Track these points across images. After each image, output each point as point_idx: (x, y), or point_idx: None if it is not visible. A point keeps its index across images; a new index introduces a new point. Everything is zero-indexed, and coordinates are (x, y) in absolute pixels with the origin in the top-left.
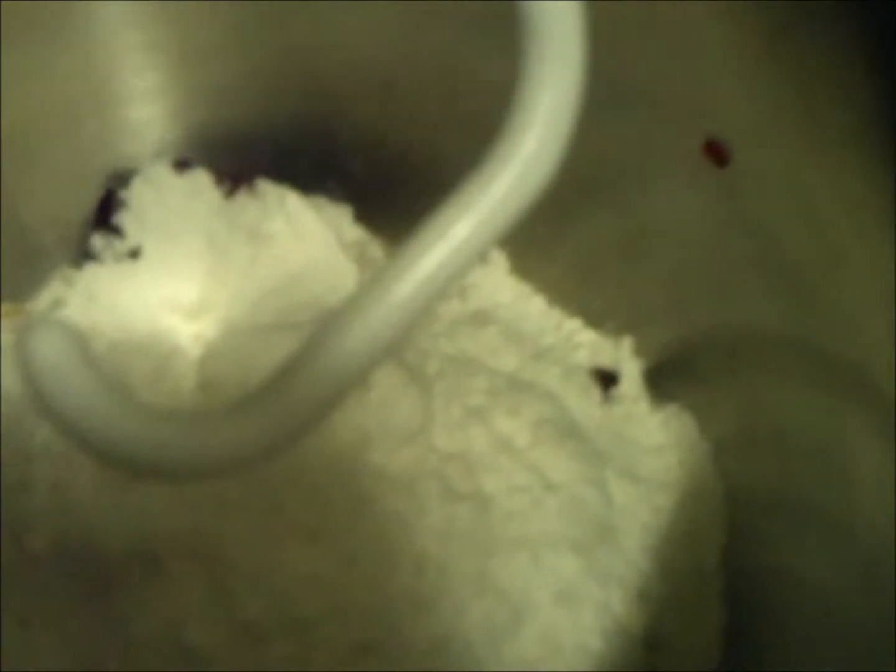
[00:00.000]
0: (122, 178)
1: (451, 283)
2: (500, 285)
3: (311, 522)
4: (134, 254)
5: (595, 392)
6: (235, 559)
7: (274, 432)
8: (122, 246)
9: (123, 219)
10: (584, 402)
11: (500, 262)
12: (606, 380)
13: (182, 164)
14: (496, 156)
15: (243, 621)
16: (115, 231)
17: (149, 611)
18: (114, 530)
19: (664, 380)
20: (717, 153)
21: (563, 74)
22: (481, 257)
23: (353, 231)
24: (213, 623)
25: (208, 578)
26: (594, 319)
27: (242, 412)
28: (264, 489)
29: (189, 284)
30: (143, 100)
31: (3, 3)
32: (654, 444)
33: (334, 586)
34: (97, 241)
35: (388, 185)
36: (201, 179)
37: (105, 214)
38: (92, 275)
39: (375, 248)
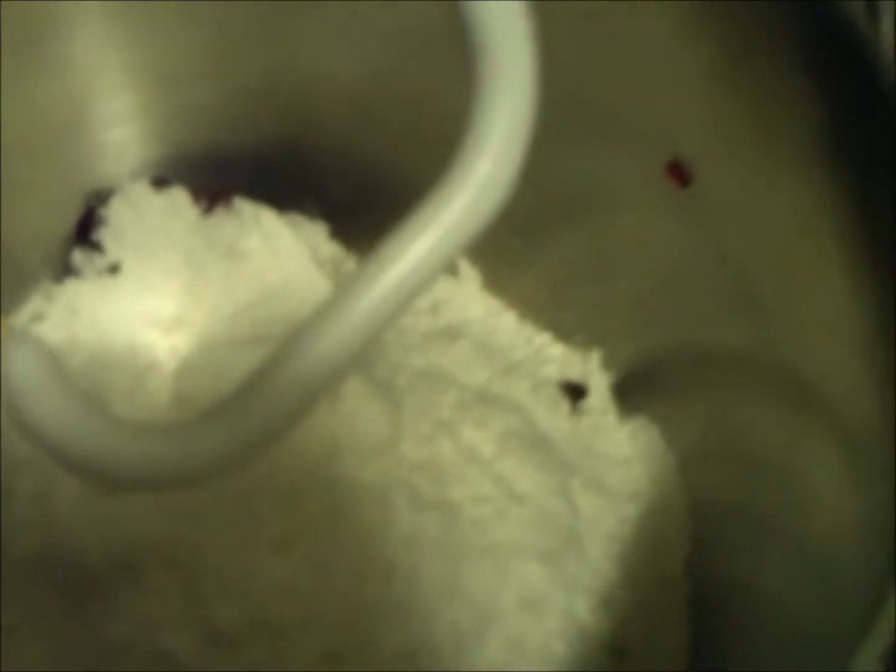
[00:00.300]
0: (102, 196)
1: (411, 299)
2: (472, 300)
3: (283, 532)
4: (113, 269)
5: (564, 405)
6: (210, 567)
7: (243, 441)
8: (102, 261)
9: (103, 235)
10: (552, 415)
11: (472, 278)
12: (575, 393)
13: (160, 182)
14: (451, 178)
15: (217, 627)
16: (96, 247)
17: (126, 617)
18: (94, 540)
19: (632, 393)
20: (679, 174)
21: (516, 98)
22: (439, 274)
23: (329, 248)
24: (188, 629)
25: (184, 586)
26: (564, 334)
27: (211, 422)
28: (238, 499)
29: (167, 299)
30: (122, 121)
31: None
32: (622, 455)
33: (306, 594)
34: (78, 256)
35: (363, 203)
36: (179, 197)
37: (85, 231)
38: (72, 290)
39: (351, 265)
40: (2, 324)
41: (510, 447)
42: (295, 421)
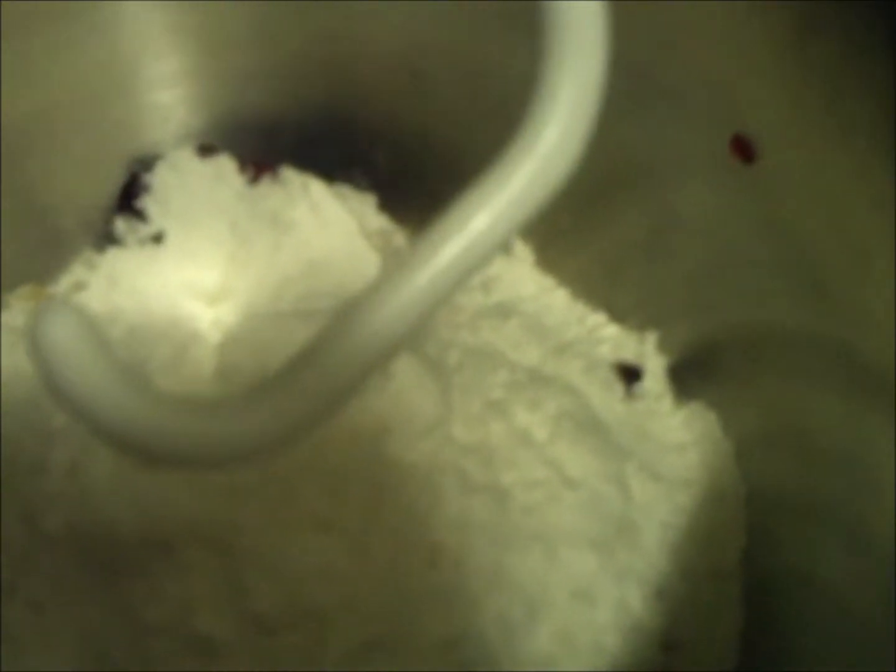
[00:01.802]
0: (146, 163)
1: (469, 274)
2: (524, 278)
3: (324, 512)
4: (157, 238)
5: (618, 387)
6: (248, 548)
7: (289, 421)
8: (145, 230)
9: (147, 203)
10: (606, 397)
11: (524, 255)
12: (629, 375)
13: (206, 150)
14: (516, 148)
15: (254, 611)
16: (139, 215)
17: (160, 598)
18: (128, 516)
19: (688, 377)
20: (743, 150)
21: (585, 67)
22: (500, 250)
23: (377, 220)
24: (224, 612)
25: (220, 567)
26: (618, 314)
27: (258, 400)
28: (278, 478)
29: (210, 270)
30: (169, 84)
31: None
32: (676, 441)
33: (347, 578)
34: (120, 224)
35: (413, 175)
36: (225, 165)
37: (129, 198)
38: (114, 259)
39: (399, 238)
40: (38, 292)
41: (563, 430)
42: (345, 401)
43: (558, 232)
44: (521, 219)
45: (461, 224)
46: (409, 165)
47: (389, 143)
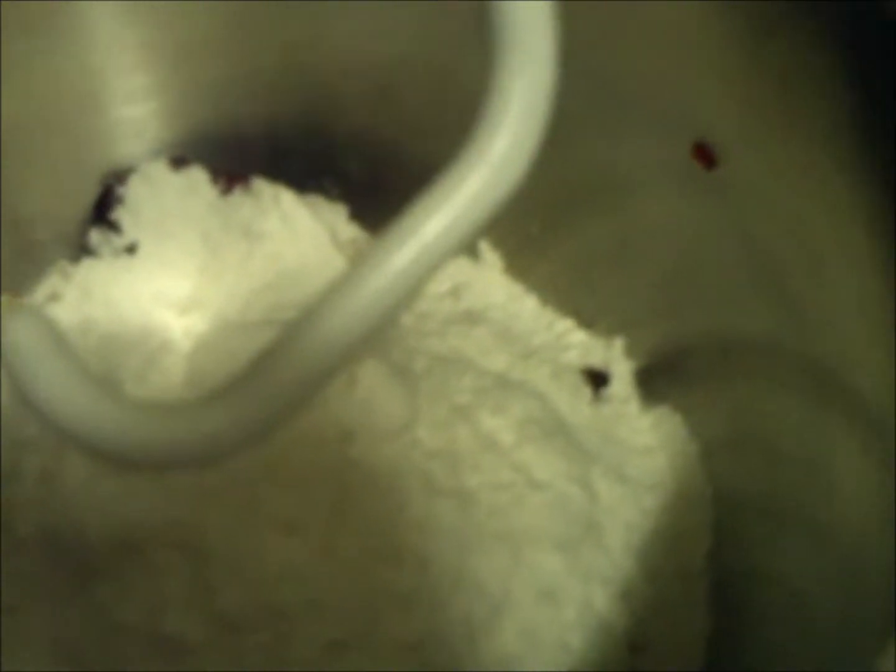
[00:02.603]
0: (119, 175)
1: (425, 278)
2: (494, 285)
3: (290, 514)
4: (131, 249)
5: (585, 392)
6: (215, 550)
7: (251, 421)
8: (119, 241)
9: (121, 215)
10: (573, 402)
11: (493, 262)
12: (597, 380)
13: (179, 162)
14: (468, 155)
15: (222, 611)
16: (113, 227)
17: (130, 599)
18: (99, 520)
19: (655, 381)
20: (705, 156)
21: (535, 74)
22: (454, 254)
23: (348, 229)
24: (192, 612)
25: (188, 568)
26: (586, 320)
27: (219, 402)
28: (245, 480)
29: (183, 280)
30: (141, 98)
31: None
32: (644, 444)
33: (313, 579)
34: (95, 236)
35: (383, 184)
36: (197, 177)
37: (103, 210)
38: (89, 269)
39: None
40: (15, 303)
41: (530, 434)
42: (304, 401)
43: (527, 239)
44: (475, 224)
45: (415, 228)
46: (380, 175)
47: (360, 153)
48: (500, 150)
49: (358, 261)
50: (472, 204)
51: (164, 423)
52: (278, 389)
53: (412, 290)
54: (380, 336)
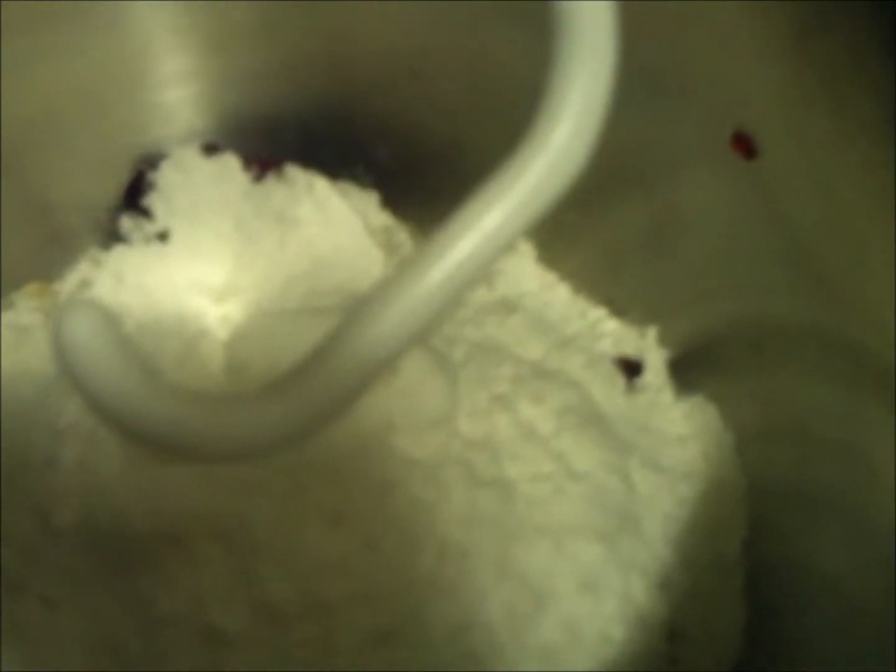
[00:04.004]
0: (151, 161)
1: (481, 273)
2: (527, 273)
3: (333, 506)
4: (162, 236)
5: (619, 381)
6: (259, 541)
7: (301, 418)
8: (150, 228)
9: (152, 201)
10: (608, 391)
11: (526, 251)
12: (631, 369)
13: (211, 148)
14: (528, 146)
15: (266, 603)
16: (144, 213)
17: (172, 591)
18: (139, 510)
19: (688, 370)
20: (745, 146)
21: (595, 67)
22: (510, 247)
23: (380, 217)
24: (236, 604)
25: (232, 560)
26: (619, 308)
27: (271, 397)
28: (288, 472)
29: (217, 267)
30: (174, 83)
31: None
32: (678, 434)
33: (356, 571)
34: (126, 222)
35: (415, 171)
36: (230, 164)
37: (134, 196)
38: (120, 256)
39: (401, 234)
40: (44, 289)
41: (567, 423)
42: (355, 399)
43: (560, 227)
44: (532, 217)
45: (472, 223)
46: (410, 162)
47: (391, 140)
48: (561, 142)
49: (416, 253)
50: (530, 197)
51: (222, 414)
52: (331, 386)
53: (471, 283)
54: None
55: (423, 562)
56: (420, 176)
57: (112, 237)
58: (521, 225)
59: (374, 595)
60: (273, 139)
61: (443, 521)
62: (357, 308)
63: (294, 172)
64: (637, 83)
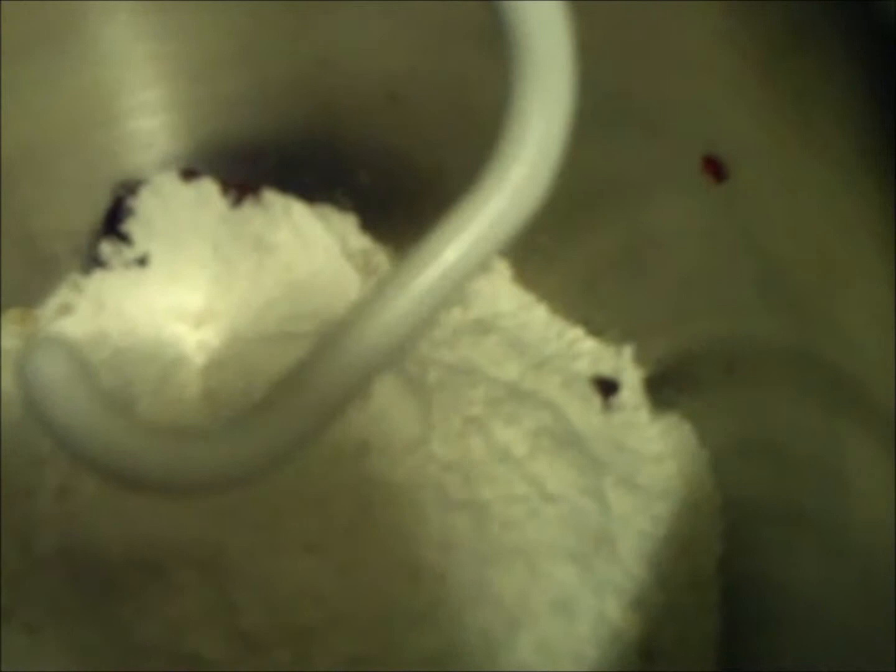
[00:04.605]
0: (130, 188)
1: (445, 301)
2: (503, 294)
3: (309, 532)
4: (142, 261)
5: (595, 400)
6: (236, 568)
7: (272, 448)
8: (130, 253)
9: (132, 226)
10: (583, 411)
11: (502, 271)
12: (607, 388)
13: (189, 174)
14: (487, 182)
15: (243, 630)
16: (124, 238)
17: (151, 618)
18: (118, 537)
19: (664, 389)
20: (715, 169)
21: (554, 99)
22: (474, 276)
23: (359, 240)
24: (214, 631)
25: (209, 587)
26: (596, 328)
27: (241, 428)
28: (264, 499)
29: (195, 293)
30: (152, 111)
31: (11, 16)
32: (654, 452)
33: (332, 596)
34: (106, 248)
35: (394, 195)
36: (208, 189)
37: (114, 222)
38: (100, 281)
39: (381, 258)
40: (25, 315)
41: (542, 445)
42: (326, 426)
43: (536, 248)
44: (493, 248)
45: (435, 254)
46: (390, 186)
47: (371, 164)
48: (520, 177)
49: (379, 284)
50: (491, 229)
51: (188, 449)
52: (301, 415)
53: (434, 312)
54: (409, 351)
55: (398, 586)
56: (400, 199)
57: (92, 262)
58: (482, 256)
59: (350, 621)
60: (252, 164)
61: (419, 545)
62: (324, 337)
63: (271, 197)
64: (606, 107)
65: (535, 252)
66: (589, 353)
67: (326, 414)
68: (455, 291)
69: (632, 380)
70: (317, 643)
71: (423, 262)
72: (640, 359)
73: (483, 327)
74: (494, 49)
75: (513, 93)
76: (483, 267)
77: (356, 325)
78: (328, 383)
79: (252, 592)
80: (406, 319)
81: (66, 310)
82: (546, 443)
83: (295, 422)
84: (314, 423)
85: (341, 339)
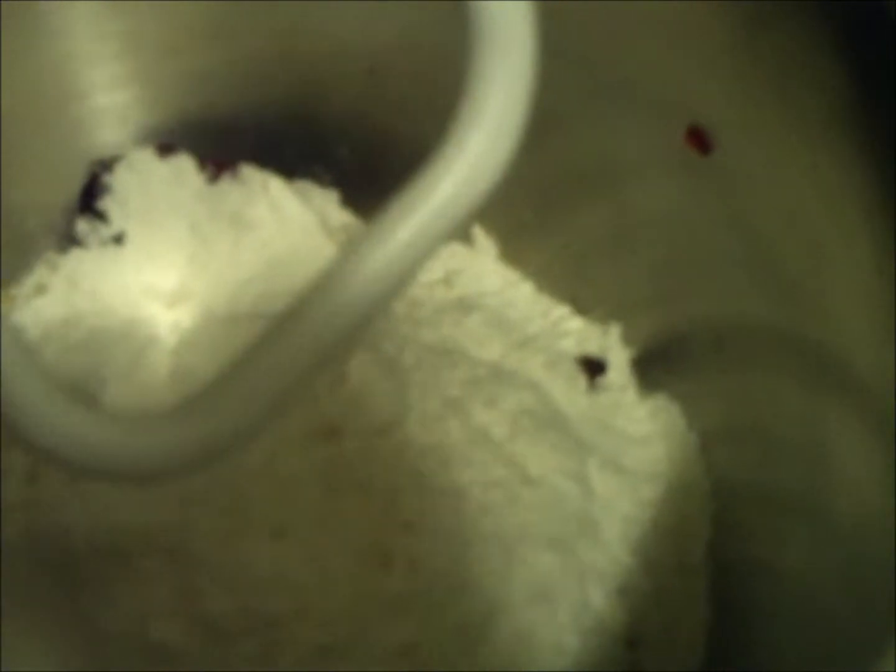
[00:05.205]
0: (106, 164)
1: (404, 279)
2: (488, 271)
3: (277, 518)
4: (118, 239)
5: (581, 381)
6: (201, 556)
7: (227, 429)
8: (106, 231)
9: (108, 204)
10: (569, 391)
11: (487, 248)
12: (593, 368)
13: (165, 149)
14: (443, 156)
15: (209, 619)
16: (100, 216)
17: (115, 606)
18: (84, 524)
19: (652, 369)
20: (699, 140)
21: (512, 76)
22: (431, 255)
23: (340, 215)
24: (179, 620)
25: (173, 575)
26: (582, 307)
27: (194, 410)
28: (231, 485)
29: (170, 271)
30: (125, 85)
31: None
32: (641, 434)
33: (300, 585)
34: (82, 226)
35: (375, 169)
36: (185, 164)
37: (89, 199)
38: (76, 260)
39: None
40: (3, 295)
41: (523, 427)
42: (283, 408)
43: (522, 225)
44: (447, 229)
45: (385, 236)
46: (371, 160)
47: (351, 138)
48: (477, 151)
49: (337, 261)
50: (447, 205)
51: (138, 435)
52: (256, 395)
53: (393, 288)
54: (368, 330)
55: (369, 574)
56: (381, 173)
57: (68, 241)
58: (436, 237)
59: (319, 609)
60: (230, 139)
61: (391, 531)
62: (278, 318)
63: (249, 172)
64: (587, 81)
65: (521, 228)
66: (575, 332)
67: (281, 397)
68: (412, 271)
69: (619, 360)
70: (284, 632)
71: (373, 244)
72: (627, 338)
73: (466, 305)
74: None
75: (470, 66)
76: (440, 245)
77: (316, 300)
78: (282, 364)
79: (217, 580)
80: (355, 304)
81: (41, 289)
82: (527, 424)
83: (251, 401)
84: (268, 407)
85: (300, 315)
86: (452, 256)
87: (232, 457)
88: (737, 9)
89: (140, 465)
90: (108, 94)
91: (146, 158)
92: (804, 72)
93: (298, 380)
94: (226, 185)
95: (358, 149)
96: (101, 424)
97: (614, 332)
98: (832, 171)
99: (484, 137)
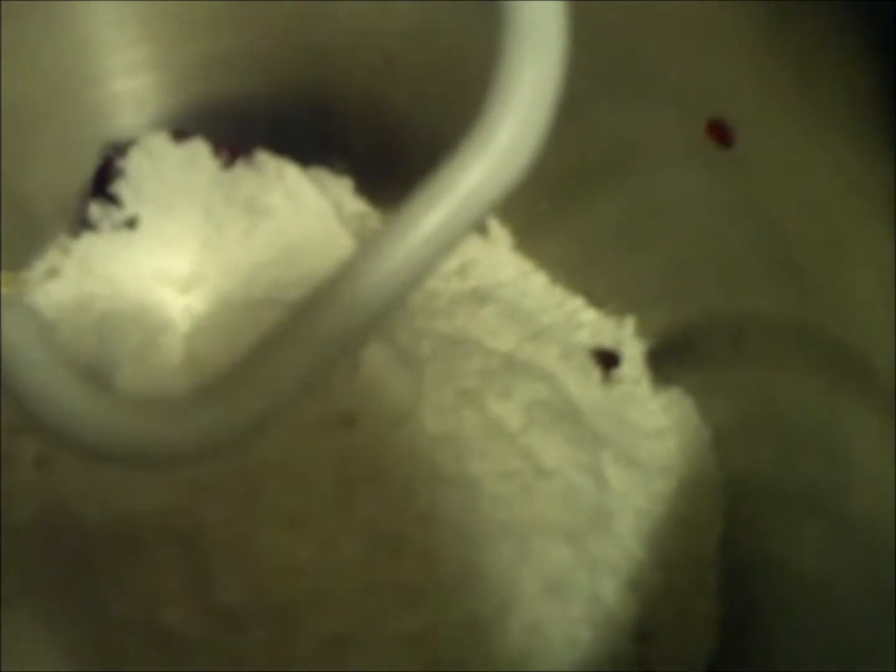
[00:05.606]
0: (120, 148)
1: (427, 269)
2: (503, 262)
3: (291, 506)
4: (131, 223)
5: (595, 373)
6: (214, 543)
7: (245, 416)
8: (119, 215)
9: (121, 188)
10: (583, 383)
11: (502, 238)
12: (607, 360)
13: (180, 134)
14: (471, 145)
15: (221, 606)
16: (113, 200)
17: (127, 592)
18: (96, 509)
19: (666, 362)
20: (720, 134)
21: (542, 65)
22: (455, 246)
23: (354, 203)
24: (191, 607)
25: (187, 562)
26: (597, 299)
27: (213, 396)
28: (244, 471)
29: (183, 256)
30: (141, 70)
31: None
32: (654, 427)
33: (313, 573)
34: (95, 210)
35: (390, 157)
36: (199, 149)
37: (103, 183)
38: (89, 244)
39: (376, 220)
40: (15, 279)
41: (537, 418)
42: (301, 398)
43: (537, 215)
44: (473, 218)
45: (412, 224)
46: (386, 148)
47: (366, 126)
48: (505, 142)
49: (360, 250)
50: (473, 195)
51: (154, 419)
52: (273, 384)
53: (415, 279)
54: (385, 322)
55: (383, 564)
56: (396, 162)
57: (81, 225)
58: (461, 227)
59: (332, 598)
60: (244, 125)
61: (404, 521)
62: (297, 307)
63: (264, 159)
64: (610, 72)
65: (536, 219)
66: (589, 323)
67: (298, 387)
68: (436, 262)
69: (633, 352)
70: (296, 620)
71: (401, 232)
72: (641, 331)
73: (481, 296)
74: (490, 8)
75: (499, 57)
76: (465, 235)
77: (337, 290)
78: (302, 354)
79: (231, 568)
80: (386, 286)
81: (53, 273)
82: (541, 416)
83: (268, 391)
84: (285, 398)
85: (321, 304)
86: (467, 247)
87: (247, 445)
88: (762, 5)
89: (154, 450)
90: (125, 79)
91: (160, 143)
92: (828, 69)
93: (315, 370)
94: (240, 170)
95: (373, 137)
96: (117, 408)
97: (629, 324)
98: (855, 168)
99: (513, 128)
